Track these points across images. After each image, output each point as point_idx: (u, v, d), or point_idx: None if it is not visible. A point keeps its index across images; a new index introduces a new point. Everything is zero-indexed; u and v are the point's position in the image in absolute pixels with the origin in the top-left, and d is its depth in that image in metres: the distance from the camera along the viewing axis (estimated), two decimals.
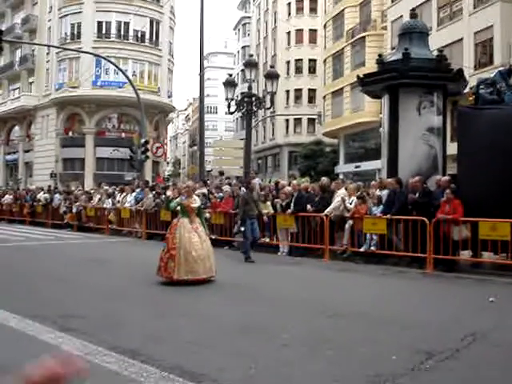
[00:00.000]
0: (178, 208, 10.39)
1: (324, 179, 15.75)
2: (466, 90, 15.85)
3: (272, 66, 25.02)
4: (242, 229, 13.70)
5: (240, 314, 7.58)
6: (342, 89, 46.72)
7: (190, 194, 10.30)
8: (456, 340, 6.18)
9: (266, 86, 20.84)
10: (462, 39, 33.14)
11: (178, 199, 10.72)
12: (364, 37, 43.76)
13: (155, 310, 7.75)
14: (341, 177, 35.21)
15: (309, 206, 14.33)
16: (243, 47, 70.72)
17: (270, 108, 21.96)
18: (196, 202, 10.20)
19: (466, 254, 11.87)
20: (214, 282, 9.92)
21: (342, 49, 47.08)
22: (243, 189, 13.40)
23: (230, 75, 21.57)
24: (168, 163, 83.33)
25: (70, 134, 47.04)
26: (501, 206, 10.86)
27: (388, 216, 12.65)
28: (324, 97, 51.51)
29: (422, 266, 11.97)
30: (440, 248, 11.68)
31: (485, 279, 10.84)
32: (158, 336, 6.22)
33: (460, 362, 5.53)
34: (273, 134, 61.71)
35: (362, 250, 13.15)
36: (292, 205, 14.60)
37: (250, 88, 19.61)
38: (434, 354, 5.61)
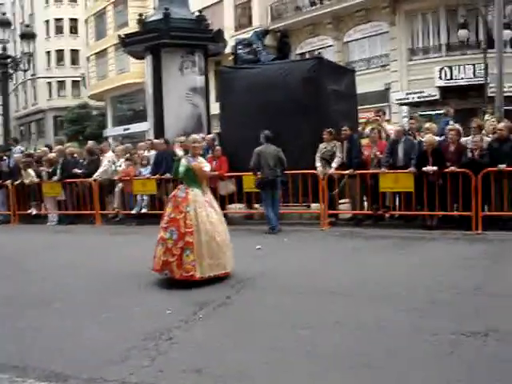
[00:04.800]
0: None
1: (90, 143, 15.30)
2: (228, 51, 16.39)
3: (28, 26, 23.52)
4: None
5: (11, 286, 7.19)
6: (105, 49, 45.61)
7: (197, 153, 7.34)
8: (227, 288, 6.55)
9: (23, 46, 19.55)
10: (222, 1, 34.12)
11: (183, 161, 7.20)
12: None
13: None
14: (110, 140, 34.60)
15: (76, 170, 13.82)
16: None
17: (27, 70, 20.67)
18: (206, 165, 7.47)
19: (233, 208, 12.44)
20: None
21: (104, 8, 45.81)
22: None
23: None
24: None
25: None
26: None
27: (157, 176, 12.75)
28: (88, 58, 49.83)
29: None
30: None
31: (253, 229, 11.46)
32: None
33: (231, 307, 5.89)
34: (35, 99, 58.42)
35: (133, 212, 13.12)
36: (58, 171, 13.97)
37: (4, 49, 18.32)
38: (207, 304, 5.90)
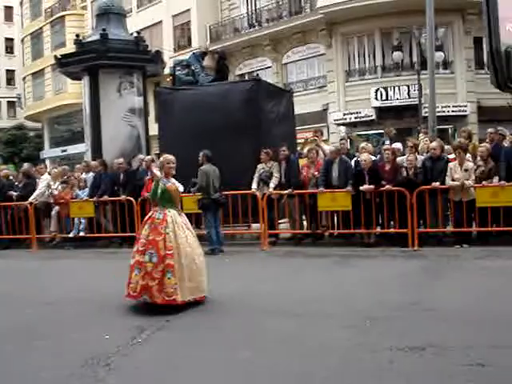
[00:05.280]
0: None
1: (26, 165, 14.96)
2: (167, 72, 16.38)
3: None
4: None
5: None
6: (42, 70, 44.83)
7: (170, 173, 7.09)
8: (167, 311, 6.41)
9: None
10: (161, 22, 34.09)
11: (160, 183, 6.96)
12: (63, 16, 42.48)
13: None
14: (47, 162, 33.94)
15: (12, 193, 13.45)
16: None
17: None
18: (179, 186, 7.17)
19: None
20: None
21: (41, 28, 45.08)
22: None
23: None
24: None
25: None
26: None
27: (94, 199, 12.53)
28: (24, 78, 48.84)
29: (132, 244, 12.11)
30: None
31: None
32: None
33: (171, 331, 5.82)
34: None
35: (71, 235, 12.85)
36: None
37: None
38: (146, 328, 5.80)
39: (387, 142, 12.49)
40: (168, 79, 14.83)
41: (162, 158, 7.32)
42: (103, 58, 13.93)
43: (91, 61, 14.15)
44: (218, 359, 4.84)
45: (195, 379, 4.44)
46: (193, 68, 13.43)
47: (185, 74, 13.41)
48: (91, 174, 13.10)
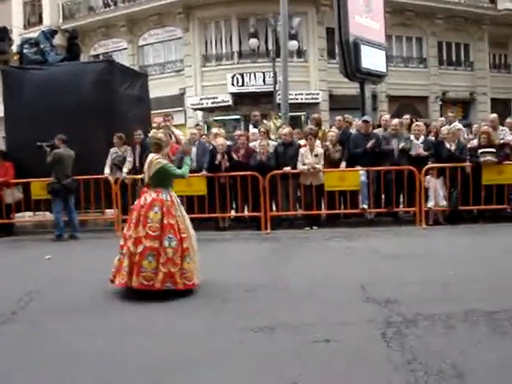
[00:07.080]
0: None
1: None
2: (15, 50, 15.49)
3: None
4: None
5: None
6: None
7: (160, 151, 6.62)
8: (12, 303, 6.14)
9: None
10: None
11: (165, 161, 6.50)
12: None
13: None
14: None
15: None
16: None
17: None
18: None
19: (21, 216, 11.83)
20: None
21: None
22: None
23: None
24: None
25: None
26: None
27: None
28: None
29: None
30: None
31: (43, 238, 10.97)
32: None
33: (18, 322, 5.56)
34: None
35: None
36: None
37: None
38: None
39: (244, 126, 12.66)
40: (15, 58, 14.02)
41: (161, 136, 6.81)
42: None
43: None
44: (73, 349, 4.70)
45: (47, 373, 4.27)
46: (42, 46, 12.77)
47: (33, 52, 12.71)
48: None
